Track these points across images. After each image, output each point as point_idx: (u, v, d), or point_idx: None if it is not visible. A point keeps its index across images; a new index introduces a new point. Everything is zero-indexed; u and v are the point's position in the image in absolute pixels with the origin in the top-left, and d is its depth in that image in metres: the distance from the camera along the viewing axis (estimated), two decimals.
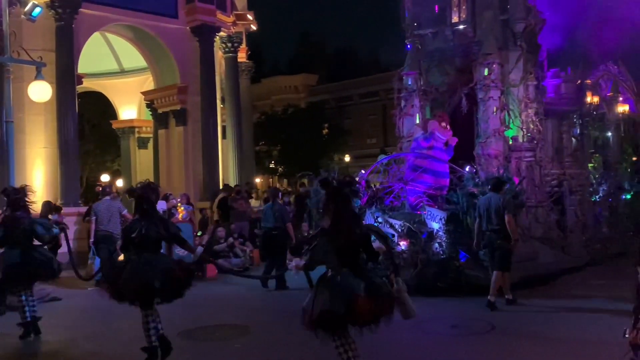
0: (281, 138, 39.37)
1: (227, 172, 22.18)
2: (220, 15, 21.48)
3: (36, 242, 8.67)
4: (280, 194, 15.01)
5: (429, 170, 12.37)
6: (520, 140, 13.13)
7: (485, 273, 10.10)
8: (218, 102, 21.83)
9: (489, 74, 12.94)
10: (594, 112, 15.70)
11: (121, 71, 25.26)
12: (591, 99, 15.52)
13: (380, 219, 11.40)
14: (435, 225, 11.09)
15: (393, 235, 11.01)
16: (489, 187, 10.22)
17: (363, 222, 7.02)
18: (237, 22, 23.22)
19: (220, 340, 8.13)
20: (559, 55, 15.20)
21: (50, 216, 12.55)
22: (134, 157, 26.51)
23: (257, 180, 32.31)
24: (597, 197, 14.91)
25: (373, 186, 13.25)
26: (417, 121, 13.73)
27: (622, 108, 17.13)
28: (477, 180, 11.57)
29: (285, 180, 41.31)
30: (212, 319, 9.24)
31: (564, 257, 12.78)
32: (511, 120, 13.08)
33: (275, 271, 12.05)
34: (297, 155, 38.69)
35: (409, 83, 14.10)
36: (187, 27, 21.04)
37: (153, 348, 6.82)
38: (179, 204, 16.06)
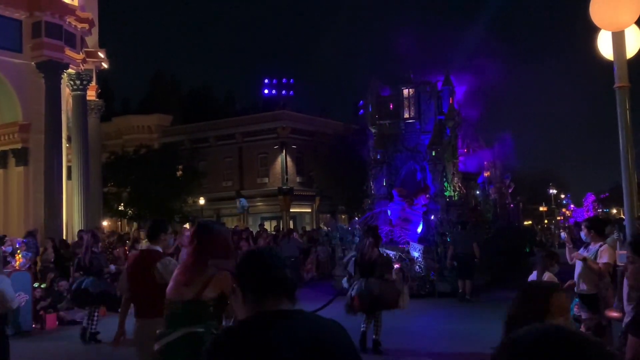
0: (132, 179, 38.02)
1: (72, 215, 21.04)
2: (69, 52, 20.67)
3: None
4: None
5: (413, 222, 18.13)
6: (454, 198, 19.32)
7: (449, 285, 16.19)
8: (64, 141, 20.80)
9: (436, 154, 19.08)
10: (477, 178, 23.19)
11: None
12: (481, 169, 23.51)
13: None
14: (415, 254, 16.88)
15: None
16: (460, 226, 16.72)
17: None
18: (88, 59, 22.46)
19: None
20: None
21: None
22: None
23: (105, 223, 30.87)
24: (488, 236, 20.10)
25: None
26: (384, 183, 19.59)
27: (486, 172, 23.94)
28: (444, 224, 17.61)
29: (135, 224, 39.79)
30: None
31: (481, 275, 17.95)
32: (448, 185, 19.23)
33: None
34: (148, 197, 37.51)
35: (378, 157, 19.91)
36: (32, 63, 20.01)
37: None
38: (18, 250, 14.86)
